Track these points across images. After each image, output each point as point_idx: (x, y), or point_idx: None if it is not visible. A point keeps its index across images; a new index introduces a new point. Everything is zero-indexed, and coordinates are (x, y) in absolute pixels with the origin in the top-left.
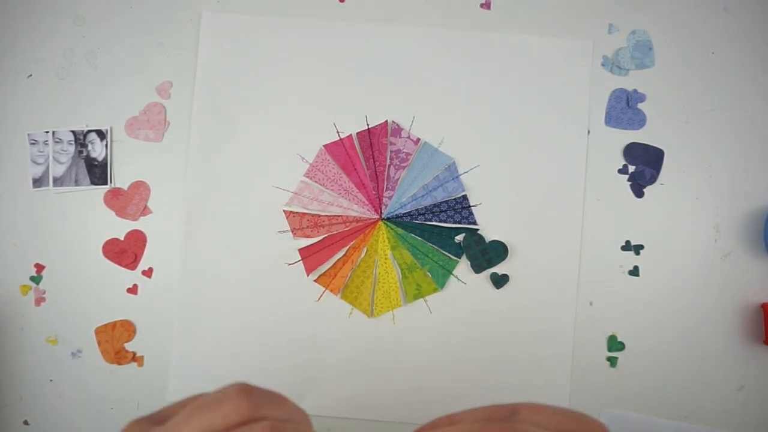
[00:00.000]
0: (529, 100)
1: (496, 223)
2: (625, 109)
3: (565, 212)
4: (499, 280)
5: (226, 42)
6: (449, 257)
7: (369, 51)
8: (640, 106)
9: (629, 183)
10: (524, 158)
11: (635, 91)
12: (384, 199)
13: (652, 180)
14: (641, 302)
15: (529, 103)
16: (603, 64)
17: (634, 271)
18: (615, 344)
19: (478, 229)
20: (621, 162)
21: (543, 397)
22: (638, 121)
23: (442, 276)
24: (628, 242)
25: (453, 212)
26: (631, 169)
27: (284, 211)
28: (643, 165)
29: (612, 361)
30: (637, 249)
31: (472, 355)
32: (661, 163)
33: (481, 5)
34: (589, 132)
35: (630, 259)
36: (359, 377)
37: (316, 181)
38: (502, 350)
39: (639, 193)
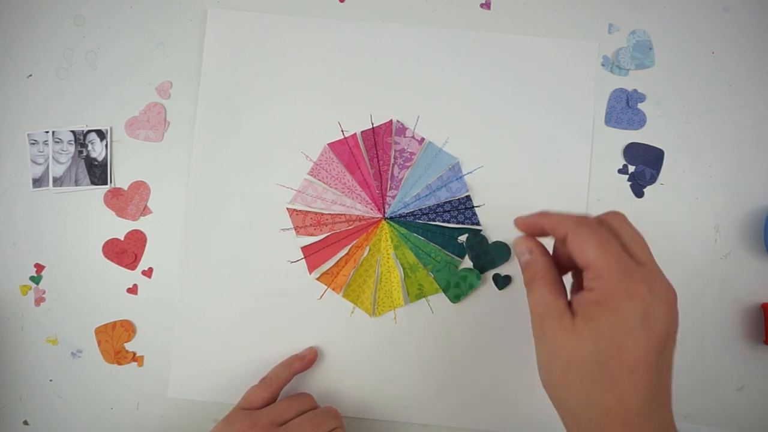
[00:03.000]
0: (533, 101)
1: (500, 224)
2: (625, 109)
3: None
4: (502, 281)
5: (230, 40)
6: (452, 257)
7: (375, 50)
8: (640, 106)
9: (629, 183)
10: (528, 159)
11: (635, 91)
12: (387, 199)
13: (652, 180)
14: None
15: (533, 104)
16: (603, 64)
17: None
18: None
19: (481, 230)
20: (621, 162)
21: (544, 396)
22: (638, 121)
23: None
24: None
25: (456, 212)
26: (631, 169)
27: (287, 209)
28: (643, 165)
29: None
30: None
31: (473, 355)
32: (661, 163)
33: (481, 5)
34: None
35: None
36: (360, 376)
37: (319, 180)
38: (503, 349)
39: (639, 193)
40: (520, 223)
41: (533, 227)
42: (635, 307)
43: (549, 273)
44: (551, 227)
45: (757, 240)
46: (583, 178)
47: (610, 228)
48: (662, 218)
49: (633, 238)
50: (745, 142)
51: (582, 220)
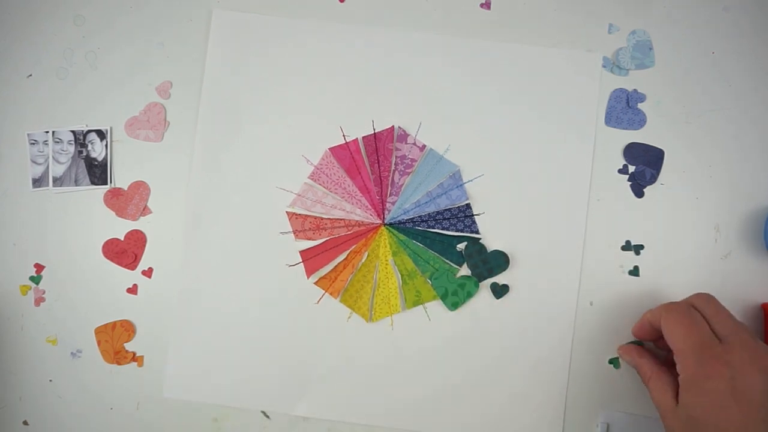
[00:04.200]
0: (535, 110)
1: (499, 233)
2: (625, 109)
3: (568, 223)
4: (500, 291)
5: (233, 41)
6: (450, 265)
7: (378, 56)
8: (640, 106)
9: (629, 183)
10: (528, 169)
11: (635, 91)
12: (387, 205)
13: (652, 180)
14: (641, 302)
15: (535, 113)
16: (603, 65)
17: (634, 271)
18: None
19: (480, 239)
20: (621, 162)
21: (542, 399)
22: (638, 121)
23: None
24: (628, 242)
25: (456, 220)
26: (631, 169)
27: (287, 212)
28: (643, 165)
29: (613, 362)
30: (637, 249)
31: (469, 361)
32: (661, 163)
33: (481, 5)
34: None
35: (630, 259)
36: (356, 381)
37: (320, 184)
38: (500, 355)
39: (639, 193)
40: (635, 330)
41: (644, 327)
42: (718, 386)
43: (654, 372)
44: (653, 319)
45: (757, 240)
46: (583, 189)
47: (700, 310)
48: (662, 218)
49: (713, 316)
50: (745, 142)
51: (671, 306)
